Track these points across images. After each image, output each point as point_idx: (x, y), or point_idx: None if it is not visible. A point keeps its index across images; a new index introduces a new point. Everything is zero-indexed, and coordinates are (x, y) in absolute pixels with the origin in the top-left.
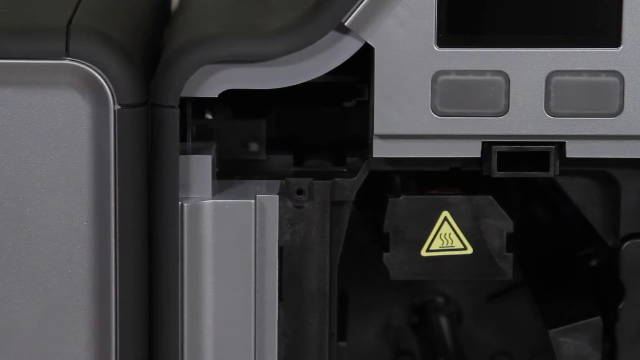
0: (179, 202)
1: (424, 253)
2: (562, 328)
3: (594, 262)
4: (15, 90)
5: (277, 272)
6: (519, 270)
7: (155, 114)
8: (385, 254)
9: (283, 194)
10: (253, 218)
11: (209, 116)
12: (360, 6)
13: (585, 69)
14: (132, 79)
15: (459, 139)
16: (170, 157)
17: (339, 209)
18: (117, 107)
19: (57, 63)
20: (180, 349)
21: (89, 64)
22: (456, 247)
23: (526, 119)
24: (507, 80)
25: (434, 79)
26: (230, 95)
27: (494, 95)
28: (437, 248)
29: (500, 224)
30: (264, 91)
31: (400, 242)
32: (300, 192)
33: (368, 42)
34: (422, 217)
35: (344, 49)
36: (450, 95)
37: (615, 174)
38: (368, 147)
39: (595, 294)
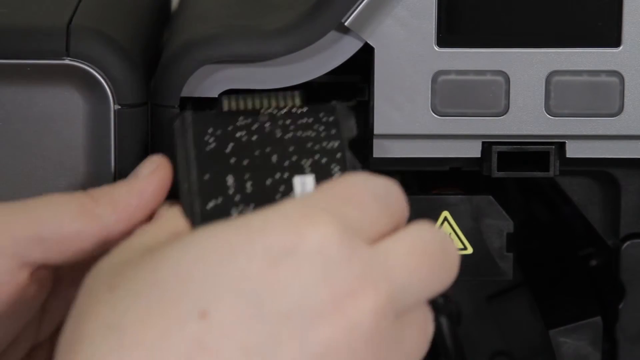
0: None
1: None
2: (562, 328)
3: (594, 262)
4: (15, 90)
5: None
6: (519, 270)
7: (155, 114)
8: None
9: None
10: None
11: None
12: (360, 6)
13: (585, 69)
14: (132, 79)
15: (459, 139)
16: (171, 157)
17: None
18: (117, 107)
19: (57, 63)
20: None
21: (89, 64)
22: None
23: (526, 119)
24: (507, 80)
25: (434, 79)
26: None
27: (494, 95)
28: None
29: (500, 224)
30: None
31: None
32: None
33: (368, 42)
34: (422, 217)
35: (344, 49)
36: (450, 95)
37: (615, 174)
38: (368, 147)
39: (595, 294)
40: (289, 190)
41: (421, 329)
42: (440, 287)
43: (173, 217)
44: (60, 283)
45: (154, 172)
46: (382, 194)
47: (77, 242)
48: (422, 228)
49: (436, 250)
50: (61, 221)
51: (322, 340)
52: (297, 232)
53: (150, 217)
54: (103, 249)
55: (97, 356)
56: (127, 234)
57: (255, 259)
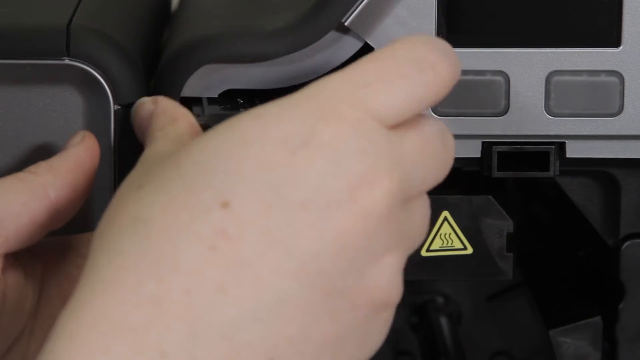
0: None
1: (424, 253)
2: (562, 328)
3: (594, 262)
4: (15, 90)
5: None
6: (519, 270)
7: None
8: None
9: None
10: None
11: None
12: (360, 6)
13: (585, 69)
14: (132, 79)
15: (459, 138)
16: None
17: None
18: (117, 107)
19: (57, 63)
20: None
21: (89, 64)
22: (456, 247)
23: (526, 119)
24: (507, 80)
25: None
26: (230, 95)
27: (494, 95)
28: (437, 248)
29: (500, 224)
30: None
31: None
32: None
33: (368, 42)
34: None
35: (344, 49)
36: (450, 95)
37: (615, 174)
38: None
39: (595, 294)
40: None
41: (423, 216)
42: (438, 177)
43: (186, 114)
44: (45, 301)
45: (82, 140)
46: (419, 58)
47: (28, 216)
48: (426, 120)
49: (437, 141)
50: (7, 198)
51: (339, 228)
52: (311, 123)
53: (90, 183)
54: (56, 220)
55: (126, 247)
56: (74, 201)
57: (271, 149)
